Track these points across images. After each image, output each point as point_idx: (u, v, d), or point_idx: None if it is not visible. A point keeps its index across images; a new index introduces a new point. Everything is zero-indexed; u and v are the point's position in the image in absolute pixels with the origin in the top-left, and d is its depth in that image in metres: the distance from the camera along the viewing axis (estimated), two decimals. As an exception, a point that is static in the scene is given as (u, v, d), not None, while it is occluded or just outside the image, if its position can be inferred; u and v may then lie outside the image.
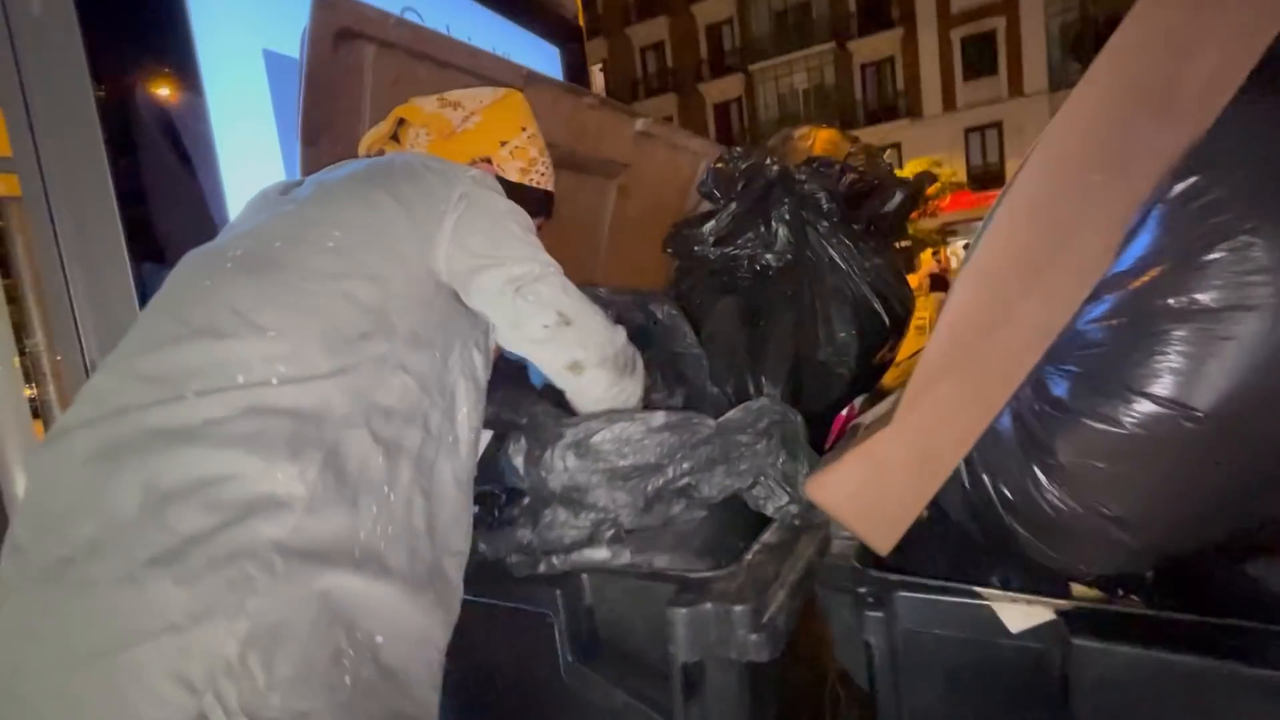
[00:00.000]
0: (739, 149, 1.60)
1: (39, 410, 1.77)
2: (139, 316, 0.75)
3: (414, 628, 0.70)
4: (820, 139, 1.92)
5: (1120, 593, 0.93)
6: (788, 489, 1.00)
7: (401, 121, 1.02)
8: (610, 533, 0.94)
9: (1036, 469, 0.70)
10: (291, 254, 0.74)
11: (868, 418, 1.27)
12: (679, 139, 2.22)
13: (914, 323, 1.66)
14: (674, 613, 0.81)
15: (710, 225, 1.54)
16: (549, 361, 0.89)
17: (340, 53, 1.18)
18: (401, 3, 2.06)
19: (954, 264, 13.48)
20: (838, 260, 1.45)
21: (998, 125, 18.35)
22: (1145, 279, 0.64)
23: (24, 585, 0.59)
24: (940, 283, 10.66)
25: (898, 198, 1.55)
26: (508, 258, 0.82)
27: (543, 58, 2.86)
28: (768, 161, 1.54)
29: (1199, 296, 0.59)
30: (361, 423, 0.69)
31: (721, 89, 21.80)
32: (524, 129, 1.04)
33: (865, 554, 0.96)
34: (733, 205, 1.52)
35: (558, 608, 0.97)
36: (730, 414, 0.99)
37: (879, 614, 0.87)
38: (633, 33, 22.65)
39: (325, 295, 0.71)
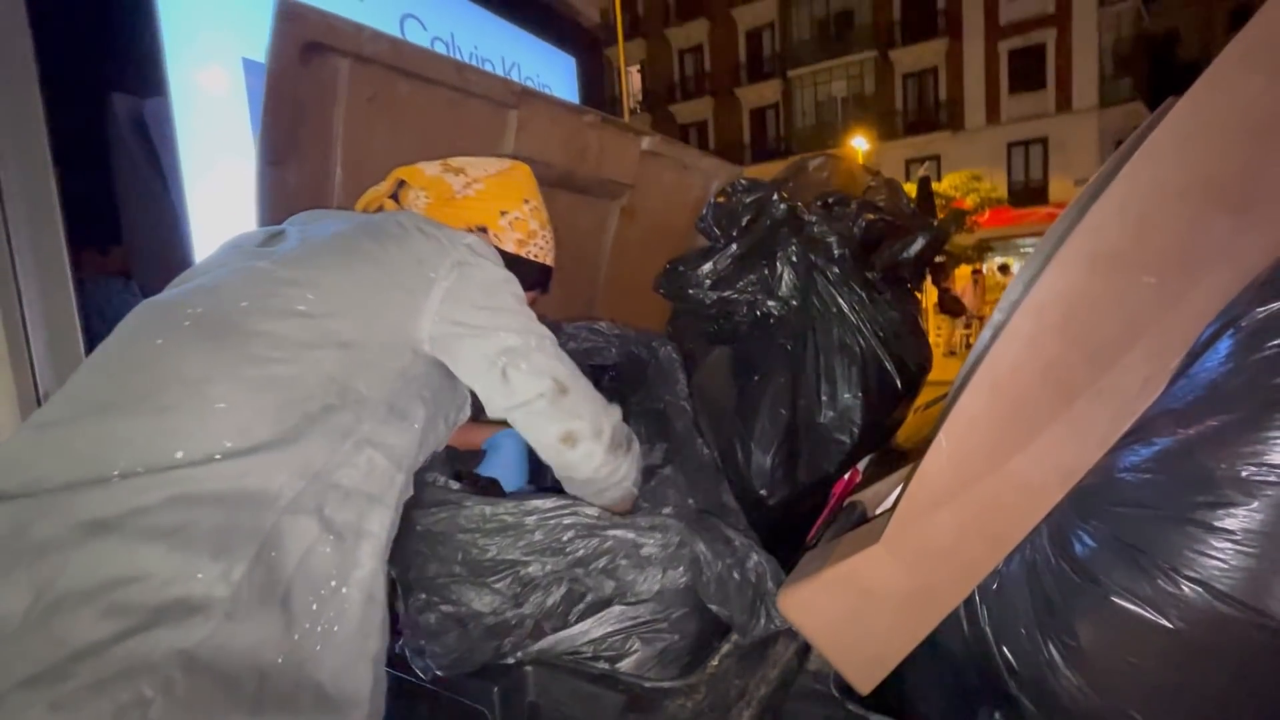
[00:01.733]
0: (744, 181, 1.47)
1: None
2: (76, 371, 0.66)
3: None
4: (839, 171, 1.77)
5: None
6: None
7: (401, 183, 0.97)
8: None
9: (1052, 647, 0.56)
10: (256, 318, 0.67)
11: (869, 495, 1.12)
12: (689, 158, 2.09)
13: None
14: None
15: (708, 266, 1.41)
16: (541, 433, 0.83)
17: (310, 67, 1.08)
18: (402, 9, 1.95)
19: (996, 279, 13.05)
20: (847, 311, 1.32)
21: (1043, 141, 17.73)
22: (1204, 426, 0.49)
23: None
24: (952, 304, 9.70)
25: (919, 243, 1.40)
26: (500, 328, 0.78)
27: (559, 67, 2.75)
28: (774, 198, 1.40)
29: (1277, 462, 0.44)
30: (311, 508, 0.62)
31: (759, 94, 21.47)
32: (526, 201, 1.00)
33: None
34: (734, 246, 1.39)
35: (494, 704, 0.86)
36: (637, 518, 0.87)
37: (856, 769, 0.73)
38: (671, 35, 22.44)
39: (287, 364, 0.65)
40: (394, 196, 0.98)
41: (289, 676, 0.58)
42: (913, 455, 1.24)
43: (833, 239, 1.33)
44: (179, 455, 0.57)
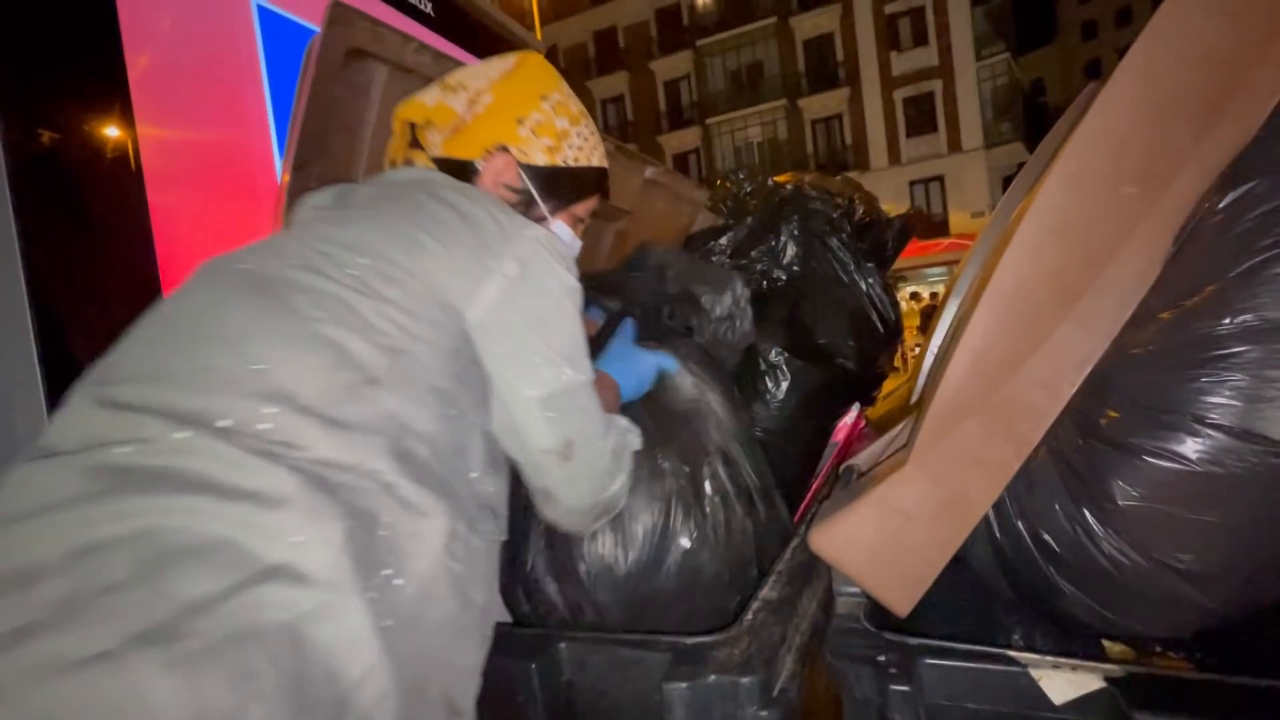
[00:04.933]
0: (743, 170, 1.67)
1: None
2: (135, 332, 0.61)
3: None
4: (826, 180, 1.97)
5: (1158, 650, 0.85)
6: None
7: (413, 126, 0.88)
8: None
9: (1089, 516, 0.61)
10: (307, 276, 0.62)
11: (863, 458, 1.18)
12: (683, 189, 2.19)
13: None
14: (671, 690, 0.69)
15: (725, 239, 1.56)
16: (526, 472, 0.76)
17: (347, 71, 1.06)
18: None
19: (904, 308, 13.97)
20: (840, 273, 1.50)
21: (939, 179, 19.40)
22: (1200, 297, 0.57)
23: None
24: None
25: (898, 225, 1.64)
26: (546, 360, 0.70)
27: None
28: (771, 183, 1.62)
29: (1269, 314, 0.52)
30: (393, 483, 0.57)
31: (680, 140, 22.50)
32: (544, 98, 0.86)
33: (875, 612, 0.85)
34: (749, 219, 1.56)
35: (531, 683, 0.83)
36: None
37: (905, 687, 0.75)
38: (594, 86, 23.31)
39: (335, 326, 0.59)
40: (415, 144, 0.89)
41: (383, 663, 0.53)
42: (892, 421, 1.34)
43: (834, 214, 1.51)
44: (261, 426, 0.53)
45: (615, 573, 0.88)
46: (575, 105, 0.89)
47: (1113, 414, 0.61)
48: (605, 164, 0.93)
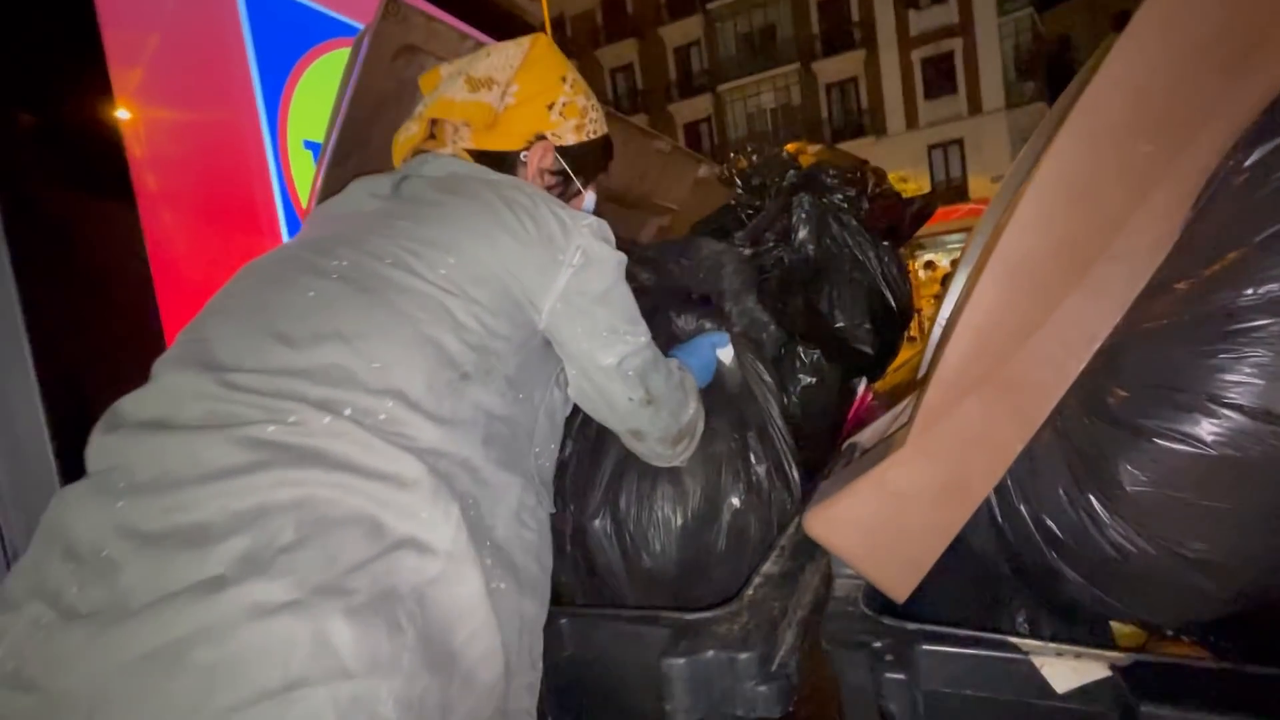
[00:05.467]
0: (757, 149, 1.65)
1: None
2: (227, 317, 0.66)
3: None
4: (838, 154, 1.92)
5: (1169, 634, 0.81)
6: None
7: (434, 122, 0.90)
8: None
9: (1094, 501, 0.57)
10: (402, 275, 0.68)
11: (866, 435, 1.14)
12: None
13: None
14: (670, 665, 0.70)
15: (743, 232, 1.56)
16: (614, 422, 0.86)
17: (395, 64, 1.03)
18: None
19: (922, 277, 13.68)
20: (855, 251, 1.49)
21: (959, 142, 18.83)
22: (1222, 265, 0.52)
23: (155, 601, 0.48)
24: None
25: (918, 204, 1.63)
26: (612, 330, 0.78)
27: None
28: (786, 156, 1.61)
29: (1297, 285, 0.47)
30: (479, 467, 0.65)
31: (691, 109, 22.02)
32: (563, 79, 0.90)
33: (874, 596, 0.83)
34: (766, 201, 1.56)
35: None
36: None
37: (899, 675, 0.73)
38: (601, 55, 22.81)
39: (432, 326, 0.66)
40: (431, 135, 0.91)
41: (490, 624, 0.60)
42: (900, 395, 1.30)
43: (852, 192, 1.50)
44: (380, 416, 0.59)
45: (672, 526, 0.95)
46: (582, 80, 0.94)
47: (1122, 393, 0.57)
48: (608, 132, 0.97)
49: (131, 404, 0.60)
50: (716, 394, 1.05)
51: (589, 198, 0.96)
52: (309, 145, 1.81)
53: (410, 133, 0.90)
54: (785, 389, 1.38)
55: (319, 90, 1.82)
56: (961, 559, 0.84)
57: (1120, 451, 0.55)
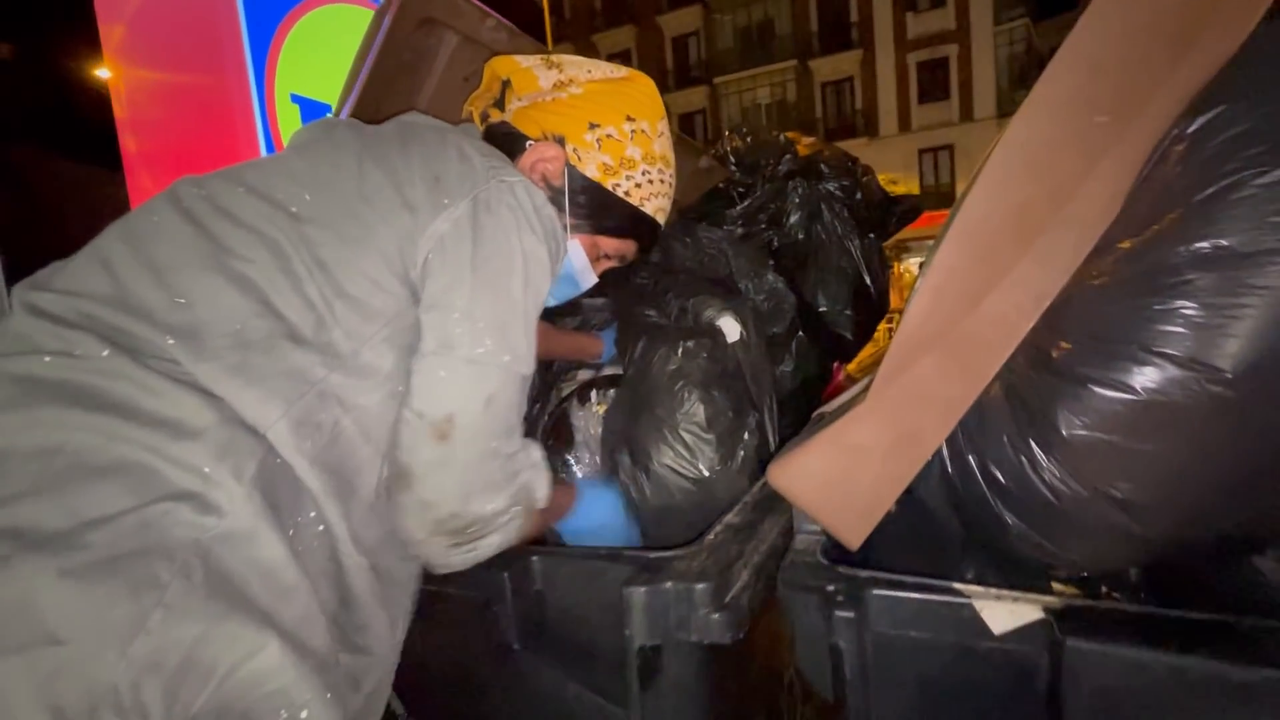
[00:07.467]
0: (745, 127, 1.72)
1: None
2: (92, 243, 0.60)
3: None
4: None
5: (1105, 591, 0.86)
6: None
7: (506, 83, 0.84)
8: None
9: (1034, 446, 0.61)
10: (251, 210, 0.61)
11: (832, 406, 1.19)
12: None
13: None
14: (631, 593, 0.74)
15: (736, 210, 1.59)
16: (397, 440, 0.64)
17: (415, 36, 1.02)
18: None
19: (909, 277, 13.82)
20: (842, 238, 1.54)
21: (949, 148, 19.03)
22: (1160, 225, 0.56)
23: None
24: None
25: (906, 204, 1.69)
26: (464, 309, 0.62)
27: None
28: (784, 139, 1.66)
29: (1225, 241, 0.51)
30: (287, 432, 0.56)
31: (687, 100, 21.97)
32: (630, 119, 0.79)
33: (832, 549, 0.87)
34: (760, 186, 1.59)
35: (504, 594, 0.87)
36: None
37: (849, 614, 0.77)
38: (598, 41, 22.64)
39: (258, 268, 0.58)
40: (499, 104, 0.85)
41: (300, 591, 0.54)
42: (868, 370, 1.36)
43: (847, 182, 1.56)
44: (177, 357, 0.53)
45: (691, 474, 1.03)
46: (662, 146, 0.83)
47: (1065, 345, 0.61)
48: (660, 217, 0.85)
49: None
50: (722, 368, 1.11)
51: (572, 244, 0.81)
52: (296, 99, 1.80)
53: (478, 96, 0.88)
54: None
55: (308, 43, 1.81)
56: (917, 518, 0.88)
57: (1060, 399, 0.59)
